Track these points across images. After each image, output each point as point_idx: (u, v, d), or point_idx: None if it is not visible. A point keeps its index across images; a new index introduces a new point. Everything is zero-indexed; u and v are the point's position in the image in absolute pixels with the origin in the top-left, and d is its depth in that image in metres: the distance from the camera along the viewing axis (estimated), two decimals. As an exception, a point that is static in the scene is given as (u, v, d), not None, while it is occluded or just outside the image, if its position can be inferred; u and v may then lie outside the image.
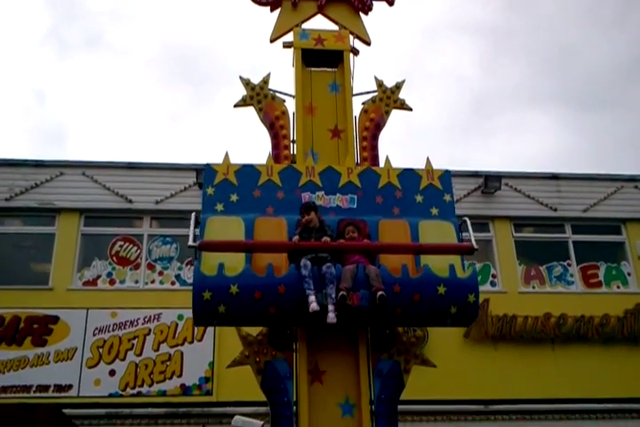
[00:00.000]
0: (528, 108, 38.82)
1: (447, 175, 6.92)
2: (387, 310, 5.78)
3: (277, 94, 7.41)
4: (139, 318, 12.42)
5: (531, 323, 12.97)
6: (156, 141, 37.36)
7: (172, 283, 13.08)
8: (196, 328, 12.36)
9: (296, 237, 5.93)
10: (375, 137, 7.42)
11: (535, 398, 12.34)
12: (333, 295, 5.64)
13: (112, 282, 12.97)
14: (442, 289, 5.88)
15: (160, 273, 13.14)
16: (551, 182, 14.76)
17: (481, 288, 13.19)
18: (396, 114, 7.61)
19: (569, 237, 14.43)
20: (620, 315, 13.30)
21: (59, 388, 11.78)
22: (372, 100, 7.59)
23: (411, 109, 7.72)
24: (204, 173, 6.76)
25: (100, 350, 12.15)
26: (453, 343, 12.59)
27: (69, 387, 11.82)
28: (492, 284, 13.79)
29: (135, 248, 13.28)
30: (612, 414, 12.44)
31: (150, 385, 12.02)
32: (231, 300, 5.68)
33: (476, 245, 6.11)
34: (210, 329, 12.36)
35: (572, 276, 14.09)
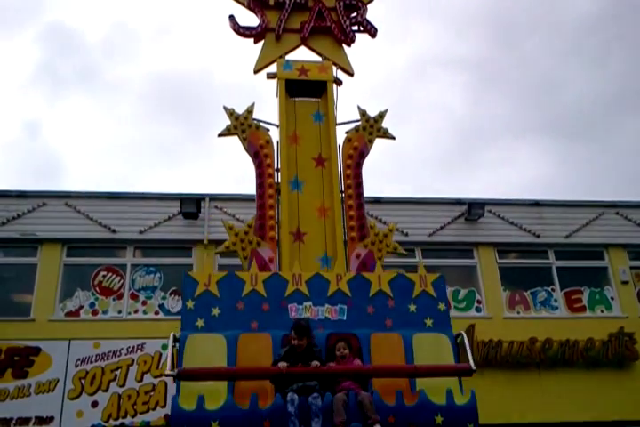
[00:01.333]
0: (513, 139, 39.31)
1: (441, 280, 6.71)
2: None
3: (261, 124, 7.49)
4: (122, 349, 12.26)
5: (516, 348, 12.99)
6: (147, 174, 37.33)
7: (156, 313, 12.97)
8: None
9: (283, 364, 5.58)
10: (359, 165, 7.49)
11: (522, 422, 12.33)
12: None
13: (95, 312, 12.83)
14: (439, 419, 5.59)
15: (144, 303, 13.03)
16: (534, 209, 14.93)
17: (466, 314, 13.51)
18: (381, 143, 7.69)
19: (552, 262, 14.54)
20: (605, 339, 13.35)
21: (40, 420, 11.55)
22: (356, 129, 7.69)
23: (394, 138, 7.82)
24: (182, 281, 6.43)
25: (83, 382, 11.96)
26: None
27: (51, 419, 11.59)
28: (477, 309, 13.81)
29: (118, 278, 13.18)
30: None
31: (134, 416, 11.82)
32: None
33: (474, 366, 5.85)
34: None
35: (556, 301, 14.16)
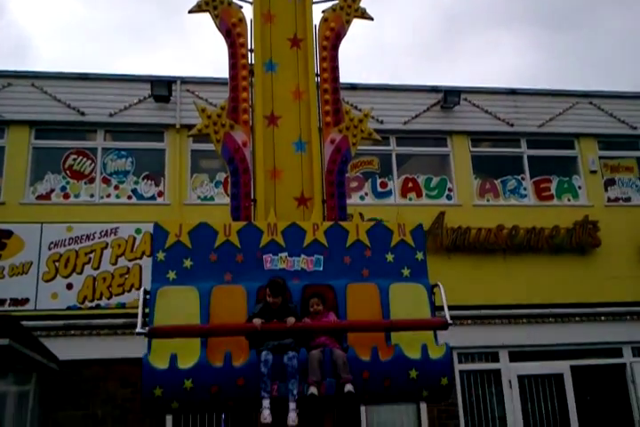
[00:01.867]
0: (497, 28, 38.27)
1: (419, 229, 6.48)
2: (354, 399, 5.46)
3: (234, 0, 7.13)
4: (95, 233, 12.32)
5: (484, 234, 13.33)
6: (118, 56, 36.00)
7: (129, 197, 12.93)
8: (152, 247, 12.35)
9: (258, 321, 5.42)
10: (335, 47, 7.25)
11: (485, 304, 12.91)
12: (295, 392, 5.25)
13: (66, 196, 12.76)
14: (414, 373, 5.55)
15: (116, 187, 12.96)
16: (509, 98, 14.84)
17: (437, 201, 13.72)
18: (361, 26, 7.41)
19: (524, 151, 14.63)
20: (570, 226, 13.73)
21: (15, 301, 11.76)
22: (333, 8, 7.38)
23: (372, 19, 7.53)
24: (152, 233, 6.05)
25: (57, 264, 12.09)
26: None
27: (26, 300, 11.80)
28: (448, 197, 14.01)
29: (89, 162, 13.01)
30: (557, 318, 13.10)
31: (109, 298, 12.08)
32: (185, 395, 5.21)
33: (450, 320, 5.77)
34: (168, 243, 12.36)
35: (525, 189, 14.39)
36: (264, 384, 5.20)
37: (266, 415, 5.08)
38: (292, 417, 5.15)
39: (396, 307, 5.96)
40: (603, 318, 13.28)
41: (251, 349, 5.47)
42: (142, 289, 5.72)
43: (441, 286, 6.13)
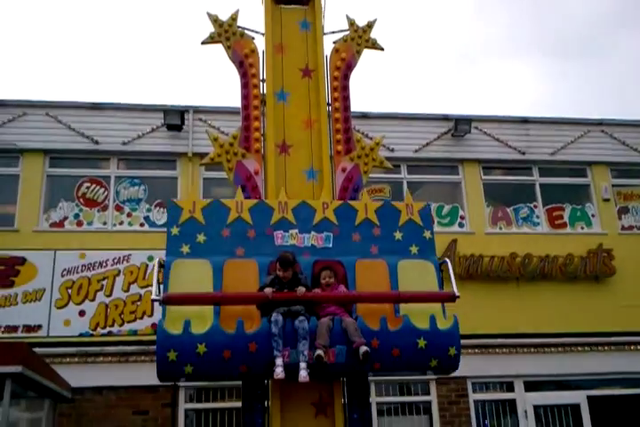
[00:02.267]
0: (510, 56, 38.56)
1: (427, 209, 6.62)
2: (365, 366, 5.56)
3: (246, 32, 7.24)
4: (108, 260, 12.37)
5: (497, 262, 13.24)
6: (124, 83, 36.49)
7: (141, 224, 13.00)
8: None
9: (269, 290, 5.59)
10: (346, 77, 7.33)
11: (499, 333, 12.77)
12: (305, 352, 5.39)
13: (79, 224, 12.84)
14: (422, 342, 5.67)
15: (129, 215, 13.04)
16: (520, 126, 14.85)
17: (449, 229, 13.68)
18: (371, 54, 7.51)
19: (536, 179, 14.61)
20: (584, 255, 13.63)
21: (28, 328, 11.78)
22: (344, 39, 7.48)
23: (382, 49, 7.62)
24: (167, 208, 6.34)
25: (69, 291, 12.13)
26: (421, 282, 12.79)
27: (39, 327, 11.82)
28: (460, 225, 13.97)
29: (102, 190, 13.11)
30: (573, 347, 12.92)
31: (121, 325, 12.08)
32: (198, 360, 5.34)
33: (457, 293, 5.89)
34: (180, 270, 12.40)
35: (537, 217, 14.33)
36: (276, 343, 5.35)
37: (279, 372, 5.25)
38: (304, 374, 5.31)
39: (405, 282, 6.08)
40: (619, 347, 13.07)
41: (262, 317, 5.61)
42: (157, 259, 5.89)
43: (448, 261, 6.27)
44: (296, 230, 6.25)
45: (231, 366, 5.42)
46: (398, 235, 6.38)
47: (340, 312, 5.77)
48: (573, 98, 37.56)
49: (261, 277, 5.90)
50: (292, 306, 5.62)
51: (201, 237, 6.06)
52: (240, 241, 6.11)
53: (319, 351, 5.37)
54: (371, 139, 10.67)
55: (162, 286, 5.78)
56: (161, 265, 5.84)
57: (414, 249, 6.35)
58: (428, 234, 6.46)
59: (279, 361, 5.31)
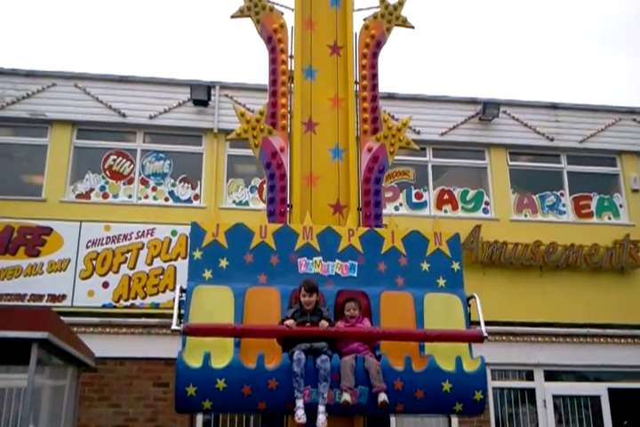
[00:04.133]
0: (542, 39, 37.96)
1: (456, 239, 6.39)
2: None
3: (276, 6, 7.18)
4: (132, 233, 12.47)
5: (520, 250, 13.13)
6: (152, 56, 36.54)
7: (166, 199, 13.09)
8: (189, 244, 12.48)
9: (291, 322, 5.41)
10: (375, 55, 7.24)
11: (520, 321, 12.70)
12: (325, 395, 5.21)
13: (105, 196, 12.96)
14: (447, 386, 5.45)
15: (153, 189, 13.12)
16: (549, 112, 14.64)
17: (473, 215, 13.59)
18: (401, 33, 7.41)
19: (564, 167, 14.43)
20: (609, 245, 13.47)
21: (52, 297, 11.95)
22: (374, 16, 7.37)
23: (413, 27, 7.52)
24: (190, 230, 6.12)
25: (94, 263, 12.26)
26: (442, 267, 12.74)
27: (63, 297, 11.99)
28: (485, 211, 13.87)
29: (128, 163, 13.20)
30: (595, 338, 12.83)
31: (143, 298, 12.21)
32: (217, 395, 5.21)
33: (485, 333, 5.68)
34: (202, 246, 12.49)
35: (564, 206, 14.17)
36: (297, 384, 5.19)
37: (300, 415, 5.07)
38: (322, 419, 5.11)
39: (431, 317, 5.89)
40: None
41: (283, 351, 5.47)
42: (179, 287, 5.78)
43: (477, 297, 6.01)
44: (320, 258, 6.07)
45: (250, 403, 5.29)
46: (425, 266, 6.18)
47: (363, 349, 5.59)
48: (606, 84, 36.94)
49: (283, 305, 5.77)
50: (314, 342, 5.42)
51: (223, 263, 5.91)
52: (263, 268, 5.95)
53: (346, 397, 5.19)
54: (397, 120, 10.62)
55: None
56: (182, 290, 5.75)
57: (441, 282, 6.14)
58: (456, 266, 6.24)
59: (300, 403, 5.15)
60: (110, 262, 12.30)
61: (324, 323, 5.44)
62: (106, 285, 12.18)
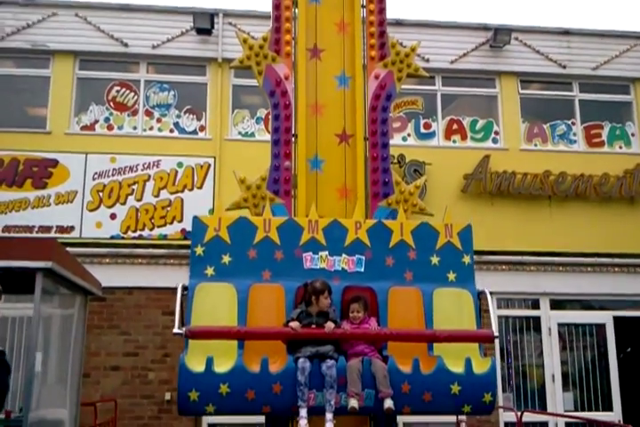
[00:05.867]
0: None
1: (467, 231, 6.04)
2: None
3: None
4: (138, 164, 12.43)
5: (529, 180, 13.03)
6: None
7: (171, 131, 12.96)
8: (196, 176, 12.46)
9: (296, 324, 5.21)
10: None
11: (528, 250, 12.74)
12: (332, 402, 5.06)
13: (110, 127, 12.84)
14: (456, 388, 5.29)
15: (158, 120, 12.98)
16: (562, 38, 14.23)
17: (482, 144, 13.45)
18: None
19: (575, 95, 14.14)
20: (620, 175, 13.34)
21: (61, 229, 12.05)
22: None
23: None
24: (191, 224, 5.81)
25: (101, 194, 12.29)
26: (451, 197, 12.72)
27: (71, 228, 12.09)
28: (494, 140, 13.69)
29: (132, 94, 13.01)
30: (602, 267, 12.89)
31: (151, 229, 12.28)
32: (221, 400, 5.10)
33: (496, 333, 5.49)
34: (210, 178, 12.47)
35: (575, 135, 13.97)
36: (301, 393, 5.07)
37: (303, 425, 4.96)
38: None
39: (440, 313, 5.69)
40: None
41: (288, 352, 5.33)
42: (180, 286, 5.56)
43: (487, 292, 5.82)
44: (326, 252, 5.80)
45: (254, 407, 5.19)
46: (435, 259, 5.90)
47: (369, 351, 5.41)
48: (620, 9, 35.78)
49: (288, 302, 5.59)
50: (320, 344, 5.26)
51: (226, 259, 5.67)
52: (267, 263, 5.69)
53: (353, 403, 5.05)
54: (405, 47, 10.35)
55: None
56: (184, 288, 5.56)
57: (452, 276, 5.88)
58: (467, 259, 5.96)
59: (303, 412, 5.02)
60: (117, 194, 12.31)
61: (330, 325, 5.27)
62: (113, 216, 12.23)
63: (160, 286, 11.37)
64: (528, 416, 10.33)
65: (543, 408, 12.13)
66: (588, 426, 10.40)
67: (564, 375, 12.53)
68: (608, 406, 12.37)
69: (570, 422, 11.75)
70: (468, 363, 5.39)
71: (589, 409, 12.30)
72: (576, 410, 12.27)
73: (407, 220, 6.22)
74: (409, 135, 13.51)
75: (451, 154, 13.18)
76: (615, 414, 12.19)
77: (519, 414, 9.82)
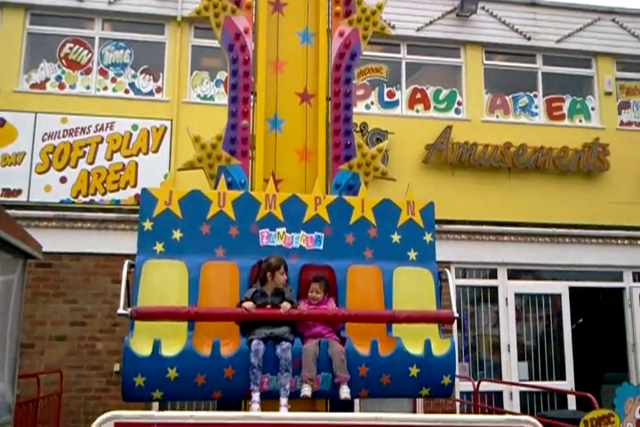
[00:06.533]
0: None
1: (430, 208, 5.91)
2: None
3: None
4: (90, 126, 11.91)
5: (490, 152, 12.97)
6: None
7: (126, 91, 12.43)
8: (151, 139, 12.03)
9: (250, 305, 4.97)
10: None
11: (487, 220, 12.74)
12: (287, 386, 4.87)
13: (62, 86, 12.25)
14: (414, 371, 5.17)
15: (113, 80, 12.44)
16: (528, 9, 14.11)
17: (445, 115, 13.30)
18: None
19: (539, 67, 14.07)
20: (579, 148, 13.37)
21: (7, 192, 11.48)
22: None
23: None
24: (140, 197, 5.44)
25: (50, 157, 11.76)
26: (412, 167, 12.63)
27: (19, 192, 11.54)
28: (457, 111, 13.55)
29: (86, 52, 12.43)
30: (559, 238, 12.98)
31: (103, 194, 11.80)
32: (168, 385, 4.82)
33: (456, 314, 5.38)
34: (166, 141, 12.06)
35: (536, 107, 13.92)
36: (254, 376, 4.86)
37: (255, 409, 4.76)
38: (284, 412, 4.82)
39: (400, 293, 5.57)
40: (605, 240, 13.16)
41: (241, 334, 5.10)
42: (126, 263, 5.26)
43: (448, 272, 5.75)
44: (284, 229, 5.57)
45: (204, 393, 4.96)
46: (396, 237, 5.75)
47: (326, 333, 5.24)
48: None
49: (242, 281, 5.34)
50: (275, 325, 5.06)
51: (177, 234, 5.36)
52: (220, 240, 5.43)
53: (306, 390, 4.87)
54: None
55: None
56: (131, 266, 5.25)
57: (412, 254, 5.74)
58: (428, 237, 5.83)
59: (256, 397, 4.82)
60: (68, 157, 11.79)
61: (285, 305, 5.06)
62: (63, 180, 11.72)
63: (110, 251, 10.93)
64: (484, 386, 10.36)
65: (499, 378, 12.21)
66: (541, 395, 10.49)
67: (520, 346, 12.62)
68: (561, 376, 12.52)
69: (524, 390, 11.89)
70: (428, 345, 5.28)
71: (543, 379, 12.45)
72: (530, 379, 12.42)
73: (367, 187, 6.11)
74: (372, 103, 13.27)
75: (413, 123, 13.02)
76: (568, 384, 12.38)
77: (476, 383, 9.84)
